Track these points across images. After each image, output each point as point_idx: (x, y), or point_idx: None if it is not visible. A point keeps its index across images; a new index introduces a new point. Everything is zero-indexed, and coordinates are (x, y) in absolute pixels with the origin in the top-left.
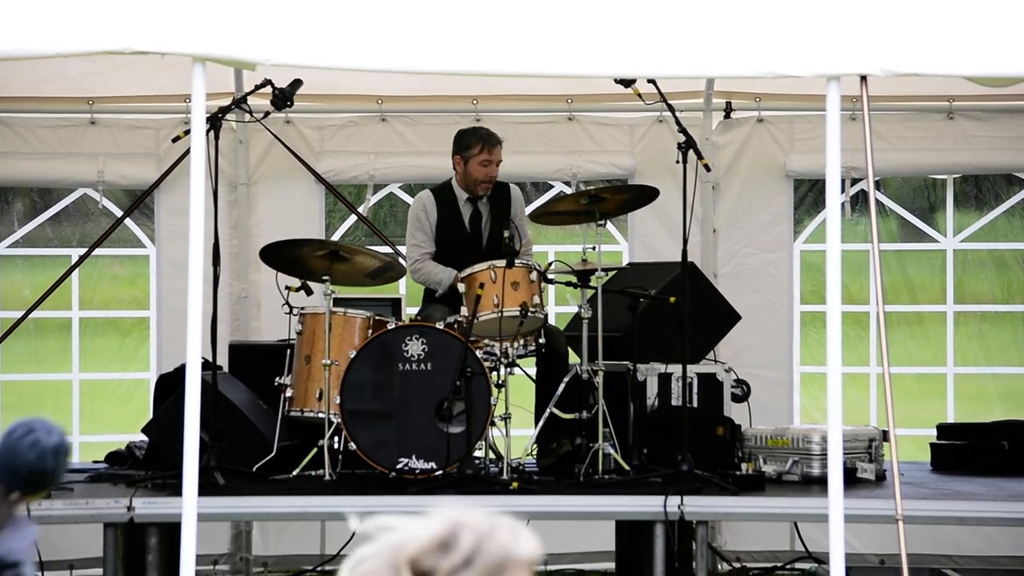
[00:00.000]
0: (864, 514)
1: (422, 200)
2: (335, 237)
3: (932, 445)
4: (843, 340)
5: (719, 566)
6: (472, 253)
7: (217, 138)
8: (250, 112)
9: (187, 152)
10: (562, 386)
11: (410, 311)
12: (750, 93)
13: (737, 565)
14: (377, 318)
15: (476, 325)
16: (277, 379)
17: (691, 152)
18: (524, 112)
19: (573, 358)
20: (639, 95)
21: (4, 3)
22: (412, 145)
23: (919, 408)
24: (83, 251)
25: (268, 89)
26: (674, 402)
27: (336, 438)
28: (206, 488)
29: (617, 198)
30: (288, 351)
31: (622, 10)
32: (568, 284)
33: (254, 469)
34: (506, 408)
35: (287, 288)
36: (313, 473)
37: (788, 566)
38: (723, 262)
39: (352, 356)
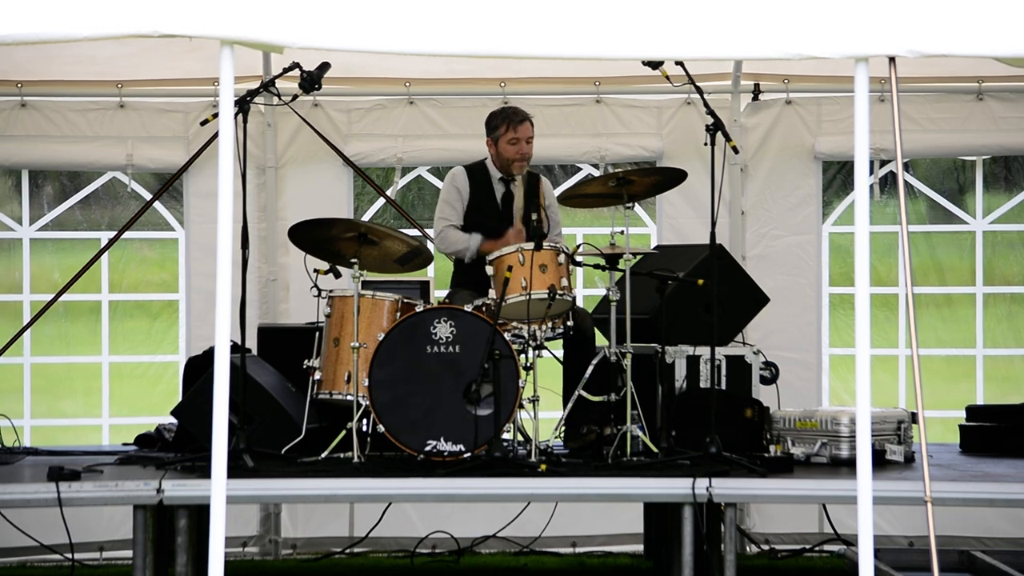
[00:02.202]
0: (893, 496)
1: (455, 176)
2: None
3: (961, 427)
4: (872, 322)
5: (748, 548)
6: (503, 232)
7: (245, 121)
8: (278, 95)
9: (215, 135)
10: (590, 369)
11: (438, 294)
12: (778, 75)
13: (766, 547)
14: (405, 301)
15: (504, 308)
16: (306, 362)
17: (719, 134)
18: (552, 95)
19: (600, 340)
20: (667, 77)
21: None
22: (440, 128)
23: (948, 390)
24: (112, 234)
25: (296, 72)
26: (702, 384)
27: (364, 420)
28: (235, 470)
29: (645, 180)
30: (317, 334)
31: None
32: (596, 267)
33: (283, 452)
34: (534, 390)
35: (315, 271)
36: (342, 455)
37: (817, 548)
38: (751, 244)
39: (381, 339)
